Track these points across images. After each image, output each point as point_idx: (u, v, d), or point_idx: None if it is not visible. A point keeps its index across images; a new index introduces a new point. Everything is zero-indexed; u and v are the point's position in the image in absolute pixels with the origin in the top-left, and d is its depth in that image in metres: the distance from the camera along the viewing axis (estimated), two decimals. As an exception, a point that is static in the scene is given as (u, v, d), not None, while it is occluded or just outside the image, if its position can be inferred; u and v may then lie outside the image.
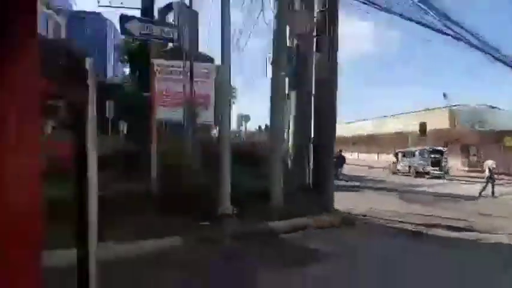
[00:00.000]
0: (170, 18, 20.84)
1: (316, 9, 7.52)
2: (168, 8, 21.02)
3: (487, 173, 14.36)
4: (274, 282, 4.25)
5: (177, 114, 18.82)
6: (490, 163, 14.68)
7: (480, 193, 13.73)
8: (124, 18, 7.36)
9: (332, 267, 4.81)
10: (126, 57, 26.36)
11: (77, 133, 0.91)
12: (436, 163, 26.07)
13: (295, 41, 7.60)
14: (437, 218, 8.36)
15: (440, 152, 27.44)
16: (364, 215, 8.29)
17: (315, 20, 7.44)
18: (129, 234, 5.04)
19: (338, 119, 8.35)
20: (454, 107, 34.40)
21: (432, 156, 26.41)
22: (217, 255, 5.07)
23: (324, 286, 4.29)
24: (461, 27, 9.42)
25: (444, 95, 31.13)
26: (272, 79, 7.14)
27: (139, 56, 24.79)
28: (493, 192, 13.87)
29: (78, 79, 0.89)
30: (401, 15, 8.23)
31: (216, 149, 7.09)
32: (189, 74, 16.92)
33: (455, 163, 34.97)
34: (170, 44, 20.11)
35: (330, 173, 7.90)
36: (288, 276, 4.40)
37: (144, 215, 5.84)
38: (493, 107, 35.35)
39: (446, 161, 27.79)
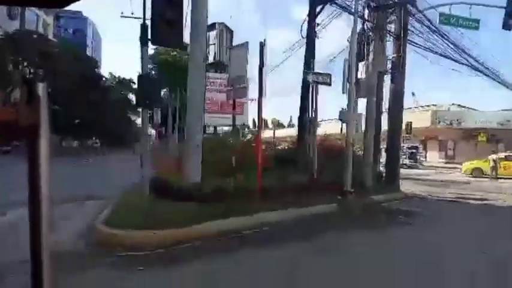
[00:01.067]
0: (211, 36, 23.97)
1: (392, 54, 11.28)
2: (211, 27, 24.05)
3: (491, 162, 19.33)
4: (384, 221, 7.93)
5: (219, 120, 22.22)
6: (494, 157, 19.64)
7: (493, 177, 18.84)
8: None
9: (421, 214, 8.69)
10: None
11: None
12: (412, 156, 32.16)
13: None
14: (455, 194, 12.58)
15: (416, 148, 33.94)
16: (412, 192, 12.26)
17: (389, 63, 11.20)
18: (300, 204, 8.30)
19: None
20: (435, 108, 39.94)
21: (409, 151, 31.58)
22: (348, 213, 8.66)
23: (424, 221, 8.08)
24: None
25: (413, 94, 36.20)
26: (367, 104, 10.83)
27: (169, 68, 27.74)
28: (494, 176, 18.93)
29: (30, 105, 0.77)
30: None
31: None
32: (228, 85, 20.53)
33: (434, 156, 40.74)
34: (211, 59, 23.51)
35: (397, 166, 11.77)
36: (370, 228, 7.87)
37: (303, 193, 9.23)
38: (468, 108, 41.11)
39: (420, 155, 34.38)
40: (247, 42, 7.45)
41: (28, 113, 0.73)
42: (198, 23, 7.31)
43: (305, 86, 10.23)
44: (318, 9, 10.35)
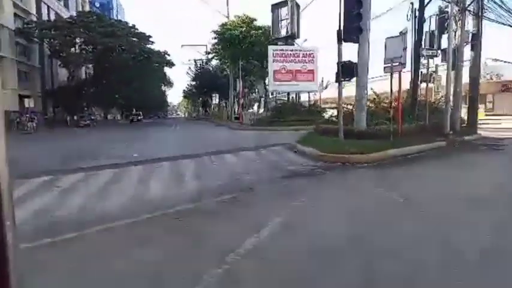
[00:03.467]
0: (283, 12, 27.72)
1: (473, 28, 15.07)
2: (282, 4, 27.78)
3: None
4: (475, 153, 11.92)
5: (290, 87, 26.50)
6: None
7: None
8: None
9: (504, 146, 12.69)
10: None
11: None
12: None
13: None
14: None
15: None
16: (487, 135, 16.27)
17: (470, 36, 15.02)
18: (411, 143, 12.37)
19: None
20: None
21: None
22: (450, 148, 12.71)
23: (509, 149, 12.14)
24: None
25: None
26: (456, 68, 14.76)
27: (234, 42, 31.52)
28: None
29: None
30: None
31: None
32: (299, 56, 24.68)
33: (475, 110, 44.33)
34: (283, 32, 27.31)
35: (476, 114, 15.84)
36: (482, 154, 11.92)
37: (423, 133, 13.36)
38: (504, 61, 44.01)
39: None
40: (403, 35, 11.53)
41: None
42: (364, 32, 11.17)
43: (417, 58, 14.18)
44: (426, 1, 14.13)
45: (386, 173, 8.66)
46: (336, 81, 10.95)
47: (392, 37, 11.81)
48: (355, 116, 12.14)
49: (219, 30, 34.47)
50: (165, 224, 5.02)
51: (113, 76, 45.46)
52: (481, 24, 15.17)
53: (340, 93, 11.33)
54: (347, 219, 5.16)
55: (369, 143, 10.90)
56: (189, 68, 60.22)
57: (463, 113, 16.74)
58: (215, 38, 35.54)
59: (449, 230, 4.52)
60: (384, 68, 12.01)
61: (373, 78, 18.04)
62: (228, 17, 36.81)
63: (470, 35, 15.18)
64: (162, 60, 49.81)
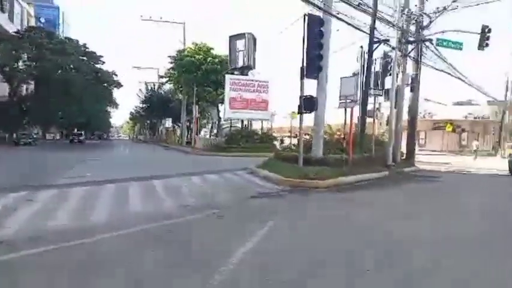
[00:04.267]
0: (239, 44, 29.14)
1: (412, 72, 17.26)
2: (239, 36, 29.20)
3: (474, 147, 26.68)
4: (417, 183, 13.73)
5: (244, 115, 27.71)
6: (476, 143, 27.15)
7: (474, 158, 26.20)
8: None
9: (440, 177, 14.64)
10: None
11: None
12: None
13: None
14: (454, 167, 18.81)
15: None
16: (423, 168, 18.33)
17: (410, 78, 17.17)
18: (360, 172, 13.89)
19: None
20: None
21: None
22: (391, 178, 14.36)
23: (445, 179, 14.03)
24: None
25: None
26: (396, 106, 16.71)
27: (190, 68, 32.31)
28: (475, 158, 26.08)
29: None
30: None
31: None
32: (254, 86, 26.42)
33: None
34: (240, 63, 28.66)
35: (414, 148, 17.85)
36: (423, 183, 13.72)
37: (370, 162, 14.95)
38: (436, 102, 49.03)
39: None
40: (356, 76, 13.09)
41: None
42: (323, 70, 12.57)
43: (365, 96, 15.90)
44: (375, 46, 16.05)
45: (340, 196, 9.79)
46: (298, 113, 12.12)
47: (347, 77, 13.40)
48: (313, 145, 13.37)
49: (176, 55, 35.20)
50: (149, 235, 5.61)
51: (57, 94, 43.98)
52: (420, 68, 17.44)
53: (301, 124, 12.51)
54: (315, 232, 6.09)
55: (325, 169, 12.06)
56: (140, 90, 59.79)
57: (402, 147, 18.79)
58: (171, 62, 36.19)
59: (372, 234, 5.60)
60: (339, 103, 13.49)
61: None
62: (184, 43, 37.71)
63: (410, 78, 17.35)
64: (111, 80, 49.13)
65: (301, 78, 11.90)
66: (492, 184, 14.04)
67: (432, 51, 17.84)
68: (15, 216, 6.27)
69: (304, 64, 11.91)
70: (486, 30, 18.50)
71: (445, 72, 19.18)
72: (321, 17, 12.28)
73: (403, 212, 8.07)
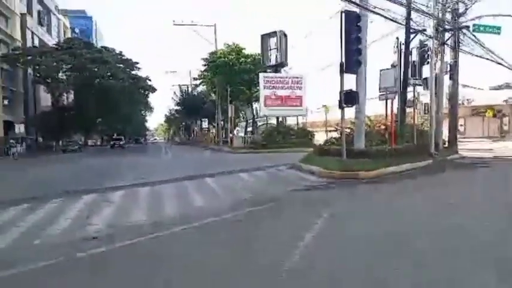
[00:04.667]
0: (272, 42, 29.71)
1: (450, 59, 17.21)
2: (271, 34, 29.79)
3: None
4: (453, 173, 13.67)
5: (279, 112, 28.20)
6: None
7: None
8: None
9: (485, 163, 14.58)
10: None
11: None
12: None
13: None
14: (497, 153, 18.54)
15: None
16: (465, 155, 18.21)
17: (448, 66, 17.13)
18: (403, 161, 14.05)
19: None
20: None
21: None
22: (436, 166, 14.40)
23: (492, 165, 13.97)
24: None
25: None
26: (437, 94, 16.73)
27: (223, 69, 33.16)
28: None
29: None
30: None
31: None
32: (288, 82, 26.72)
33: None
34: (272, 61, 29.19)
35: (456, 136, 17.80)
36: (461, 172, 13.69)
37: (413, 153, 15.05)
38: (473, 87, 47.60)
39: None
40: (394, 68, 13.34)
41: None
42: (362, 64, 12.89)
43: (404, 86, 16.04)
44: (411, 37, 16.18)
45: (387, 187, 10.14)
46: (339, 108, 12.50)
47: (386, 69, 13.65)
48: (355, 137, 13.72)
49: (208, 57, 36.19)
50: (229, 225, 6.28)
51: (96, 101, 46.17)
52: (458, 56, 17.35)
53: (342, 117, 12.89)
54: (372, 219, 6.57)
55: (368, 161, 12.42)
56: (174, 93, 61.60)
57: (444, 135, 18.71)
58: (205, 65, 37.21)
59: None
60: (379, 95, 13.77)
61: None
62: (216, 45, 38.68)
63: (449, 66, 17.29)
64: (146, 85, 50.98)
65: (341, 73, 12.27)
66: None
67: (469, 37, 17.65)
68: (100, 215, 7.09)
69: (343, 59, 12.25)
70: (526, 11, 18.11)
71: (483, 58, 18.93)
72: (358, 12, 12.58)
73: (452, 197, 8.33)
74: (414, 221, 6.26)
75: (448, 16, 16.78)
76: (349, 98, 12.19)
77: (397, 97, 14.95)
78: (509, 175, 12.28)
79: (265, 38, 30.71)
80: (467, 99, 44.40)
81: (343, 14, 12.14)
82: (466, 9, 16.49)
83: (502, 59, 20.98)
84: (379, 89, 13.68)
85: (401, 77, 15.66)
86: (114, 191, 9.89)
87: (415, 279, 3.73)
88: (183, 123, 75.55)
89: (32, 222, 6.61)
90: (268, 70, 30.99)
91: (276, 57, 29.89)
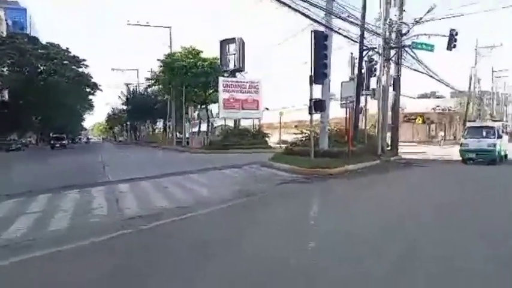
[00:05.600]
0: (231, 47, 31.36)
1: (394, 73, 20.15)
2: (230, 40, 31.44)
3: (440, 138, 29.96)
4: (398, 171, 16.54)
5: (237, 114, 30.07)
6: (441, 134, 30.47)
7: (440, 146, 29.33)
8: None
9: (422, 163, 17.61)
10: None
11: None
12: None
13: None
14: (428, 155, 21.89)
15: None
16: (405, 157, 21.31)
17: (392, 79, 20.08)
18: (358, 161, 16.61)
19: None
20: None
21: None
22: (384, 165, 17.15)
23: (427, 165, 16.96)
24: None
25: None
26: (383, 102, 19.56)
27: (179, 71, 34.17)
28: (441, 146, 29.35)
29: None
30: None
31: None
32: (245, 87, 28.93)
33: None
34: (231, 66, 30.93)
35: (397, 139, 20.79)
36: (404, 170, 16.59)
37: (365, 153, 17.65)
38: (408, 96, 52.84)
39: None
40: (356, 80, 15.73)
41: None
42: (329, 72, 15.13)
43: (358, 96, 18.61)
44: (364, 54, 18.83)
45: (349, 181, 12.37)
46: (309, 113, 14.58)
47: (346, 81, 16.06)
48: (320, 139, 15.94)
49: (165, 59, 37.02)
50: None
51: (37, 99, 44.63)
52: (400, 70, 20.39)
53: (311, 122, 15.01)
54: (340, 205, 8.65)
55: (331, 160, 14.64)
56: (121, 92, 60.80)
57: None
58: (161, 66, 37.95)
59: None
60: (341, 104, 16.13)
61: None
62: (171, 47, 39.52)
63: (392, 79, 20.25)
64: (91, 83, 50.08)
65: (310, 84, 14.36)
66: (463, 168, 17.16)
67: (409, 53, 20.82)
68: (123, 202, 8.37)
69: (312, 72, 14.35)
70: (454, 33, 21.72)
71: (418, 71, 22.34)
72: (325, 32, 14.79)
73: (399, 189, 10.71)
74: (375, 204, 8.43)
75: (393, 35, 19.71)
76: (317, 106, 14.31)
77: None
78: (442, 172, 15.23)
79: (224, 43, 32.37)
80: (400, 107, 49.41)
81: (313, 33, 14.23)
82: (408, 30, 19.50)
83: (431, 71, 24.73)
84: (341, 98, 16.08)
85: (356, 88, 18.23)
86: (118, 184, 11.05)
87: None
88: (128, 123, 74.36)
89: (82, 207, 7.77)
90: (226, 74, 32.67)
91: (235, 62, 31.65)
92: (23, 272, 4.33)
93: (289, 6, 13.44)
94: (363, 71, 20.17)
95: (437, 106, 51.57)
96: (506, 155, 18.37)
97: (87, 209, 7.60)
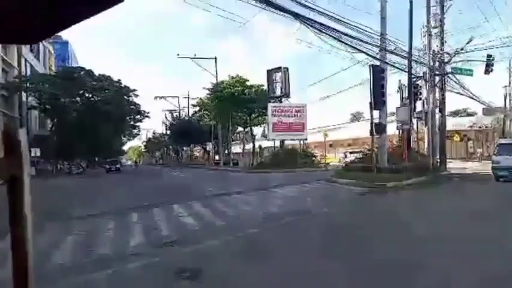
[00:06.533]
0: (277, 76, 34.57)
1: (438, 97, 22.45)
2: (276, 70, 34.71)
3: (478, 154, 31.58)
4: (453, 183, 18.52)
5: (285, 136, 32.72)
6: (479, 150, 31.96)
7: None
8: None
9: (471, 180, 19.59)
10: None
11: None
12: None
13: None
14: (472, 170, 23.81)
15: None
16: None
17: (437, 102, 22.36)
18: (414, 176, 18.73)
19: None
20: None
21: None
22: (437, 178, 19.19)
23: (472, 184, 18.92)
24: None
25: None
26: (431, 125, 21.79)
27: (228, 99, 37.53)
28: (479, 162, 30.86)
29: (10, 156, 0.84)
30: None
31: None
32: (292, 111, 31.65)
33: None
34: (278, 92, 33.90)
35: (445, 156, 22.86)
36: (459, 183, 18.61)
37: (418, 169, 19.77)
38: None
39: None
40: (409, 105, 18.19)
41: (8, 166, 0.76)
42: (386, 99, 17.64)
43: (410, 120, 21.05)
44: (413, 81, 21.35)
45: (418, 190, 14.63)
46: (370, 135, 17.08)
47: (401, 107, 18.55)
48: (379, 157, 18.34)
49: (213, 87, 40.71)
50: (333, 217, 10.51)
51: (95, 126, 48.84)
52: (445, 94, 22.68)
53: (372, 143, 17.49)
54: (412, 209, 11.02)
55: (392, 175, 16.94)
56: (165, 117, 65.21)
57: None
58: (209, 94, 41.65)
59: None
60: (397, 126, 18.57)
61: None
62: (216, 76, 43.16)
63: (438, 102, 22.54)
64: (142, 113, 54.40)
65: (371, 109, 16.91)
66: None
67: (451, 79, 23.12)
68: (201, 219, 10.94)
69: (372, 100, 16.90)
70: (491, 58, 23.93)
71: (460, 94, 24.55)
72: (381, 65, 17.39)
73: (457, 199, 12.90)
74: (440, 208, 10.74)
75: (437, 64, 22.12)
76: (378, 128, 16.79)
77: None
78: (492, 183, 17.28)
79: (270, 72, 35.63)
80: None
81: (371, 67, 16.85)
82: (450, 59, 21.87)
83: (470, 92, 26.86)
84: (396, 121, 18.53)
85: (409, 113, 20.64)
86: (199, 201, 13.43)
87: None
88: (170, 147, 78.62)
89: (192, 216, 10.42)
90: (272, 100, 35.68)
91: (281, 89, 34.74)
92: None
93: (354, 47, 16.08)
94: (404, 94, 22.56)
95: (474, 123, 52.83)
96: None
97: (242, 209, 10.46)
